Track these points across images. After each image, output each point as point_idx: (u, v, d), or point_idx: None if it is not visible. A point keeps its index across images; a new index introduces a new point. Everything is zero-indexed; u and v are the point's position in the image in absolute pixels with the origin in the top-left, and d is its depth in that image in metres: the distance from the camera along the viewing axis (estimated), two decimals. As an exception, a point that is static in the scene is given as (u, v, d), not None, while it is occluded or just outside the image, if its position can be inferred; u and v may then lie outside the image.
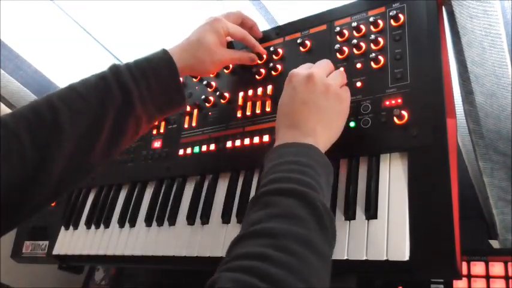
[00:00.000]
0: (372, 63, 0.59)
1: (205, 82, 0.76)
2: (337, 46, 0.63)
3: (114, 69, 0.57)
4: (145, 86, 0.57)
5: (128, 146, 0.62)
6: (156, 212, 0.72)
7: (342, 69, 0.60)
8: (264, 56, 0.71)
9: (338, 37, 0.64)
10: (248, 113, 0.69)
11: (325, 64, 0.59)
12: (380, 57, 0.59)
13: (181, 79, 0.62)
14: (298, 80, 0.54)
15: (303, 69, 0.57)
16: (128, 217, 0.76)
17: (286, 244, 0.38)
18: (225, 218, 0.64)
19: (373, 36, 0.60)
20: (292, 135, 0.51)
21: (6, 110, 1.08)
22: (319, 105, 0.52)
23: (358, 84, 0.60)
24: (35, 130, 0.51)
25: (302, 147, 0.49)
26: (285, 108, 0.55)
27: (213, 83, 0.76)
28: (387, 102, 0.56)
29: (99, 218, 0.80)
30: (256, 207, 0.44)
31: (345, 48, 0.63)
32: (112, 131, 0.56)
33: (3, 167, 0.47)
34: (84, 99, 0.55)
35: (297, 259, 0.37)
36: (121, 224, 0.76)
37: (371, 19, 0.61)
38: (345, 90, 0.57)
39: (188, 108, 0.77)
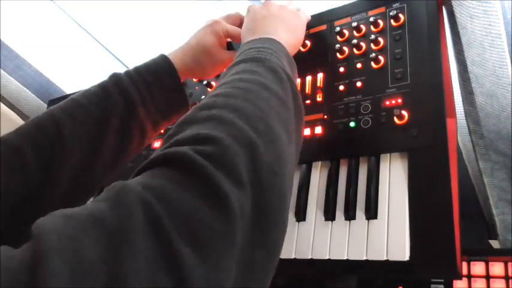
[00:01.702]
0: (372, 63, 0.59)
1: (205, 82, 0.76)
2: (337, 46, 0.63)
3: (115, 78, 0.57)
4: (147, 92, 0.57)
5: (136, 155, 0.61)
6: (156, 212, 0.72)
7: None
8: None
9: (338, 37, 0.64)
10: (248, 113, 0.69)
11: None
12: (380, 57, 0.59)
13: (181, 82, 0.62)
14: (254, 8, 0.60)
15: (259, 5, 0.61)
16: (128, 217, 0.76)
17: (237, 84, 0.39)
18: (225, 218, 0.64)
19: (373, 36, 0.60)
20: (253, 37, 0.52)
21: (6, 110, 1.08)
22: (278, 16, 0.57)
23: (358, 84, 0.60)
24: (38, 143, 0.50)
25: (263, 40, 0.51)
26: (246, 25, 0.59)
27: (213, 83, 0.76)
28: (387, 102, 0.56)
29: (99, 218, 0.80)
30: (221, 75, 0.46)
31: (345, 48, 0.63)
32: (117, 140, 0.55)
33: (6, 181, 0.46)
34: (87, 111, 0.54)
35: (244, 91, 0.38)
36: (121, 224, 0.76)
37: (371, 19, 0.61)
38: (302, 12, 0.63)
39: (189, 109, 0.77)
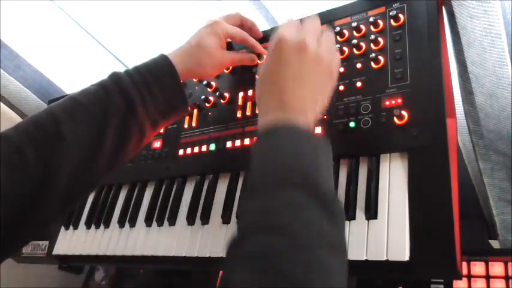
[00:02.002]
0: (372, 63, 0.59)
1: (205, 82, 0.76)
2: (337, 46, 0.63)
3: (114, 77, 0.57)
4: (147, 91, 0.57)
5: (134, 155, 0.61)
6: (156, 212, 0.72)
7: (329, 33, 0.53)
8: (264, 56, 0.71)
9: (338, 37, 0.64)
10: (248, 113, 0.69)
11: (315, 25, 0.52)
12: (380, 57, 0.59)
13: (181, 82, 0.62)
14: (288, 48, 0.48)
15: (293, 34, 0.50)
16: (128, 217, 0.76)
17: (292, 228, 0.35)
18: (225, 218, 0.64)
19: (373, 36, 0.60)
20: (281, 115, 0.45)
21: (6, 110, 1.08)
22: (311, 82, 0.48)
23: (358, 84, 0.60)
24: (37, 142, 0.50)
25: (293, 133, 0.44)
26: (272, 83, 0.49)
27: (213, 83, 0.76)
28: (387, 102, 0.56)
29: (99, 218, 0.80)
30: (253, 198, 0.41)
31: (345, 48, 0.63)
32: (116, 139, 0.55)
33: (6, 180, 0.46)
34: (86, 109, 0.54)
35: (311, 254, 0.34)
36: (121, 224, 0.76)
37: (371, 19, 0.61)
38: (338, 62, 0.53)
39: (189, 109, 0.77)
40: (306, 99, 0.47)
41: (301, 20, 0.53)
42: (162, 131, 0.80)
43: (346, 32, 0.64)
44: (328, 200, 0.40)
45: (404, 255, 0.47)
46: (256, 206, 0.40)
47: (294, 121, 0.45)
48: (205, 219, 0.66)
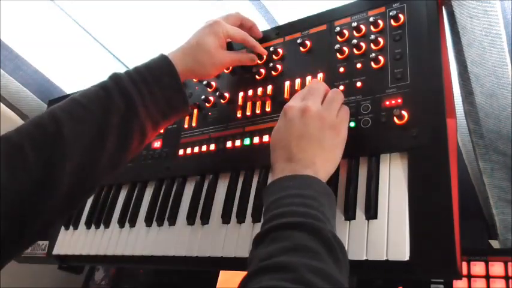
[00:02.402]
0: (372, 63, 0.59)
1: (205, 82, 0.76)
2: (337, 46, 0.63)
3: (115, 78, 0.57)
4: (147, 91, 0.57)
5: (135, 155, 0.61)
6: (156, 212, 0.72)
7: (337, 89, 0.57)
8: (264, 56, 0.72)
9: (338, 37, 0.64)
10: (248, 113, 0.69)
11: (318, 90, 0.56)
12: (380, 57, 0.59)
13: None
14: (293, 113, 0.53)
15: (297, 102, 0.55)
16: (128, 217, 0.76)
17: (303, 276, 0.36)
18: (225, 218, 0.64)
19: (373, 36, 0.60)
20: (291, 168, 0.50)
21: (6, 110, 1.08)
22: (316, 138, 0.51)
23: (358, 84, 0.60)
24: (38, 143, 0.50)
25: (303, 179, 0.48)
26: (281, 141, 0.53)
27: (213, 83, 0.76)
28: (387, 102, 0.56)
29: (99, 218, 0.80)
30: (263, 244, 0.42)
31: (345, 48, 0.63)
32: (117, 139, 0.55)
33: (6, 179, 0.46)
34: (87, 109, 0.54)
35: None
36: (121, 224, 0.76)
37: (371, 19, 0.61)
38: (341, 119, 0.54)
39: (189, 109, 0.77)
40: (314, 153, 0.51)
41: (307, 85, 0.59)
42: (162, 131, 0.80)
43: (346, 32, 0.64)
44: (332, 245, 0.41)
45: (405, 255, 0.47)
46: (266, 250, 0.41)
47: (302, 171, 0.49)
48: (205, 219, 0.66)
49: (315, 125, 0.52)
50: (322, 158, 0.51)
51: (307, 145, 0.51)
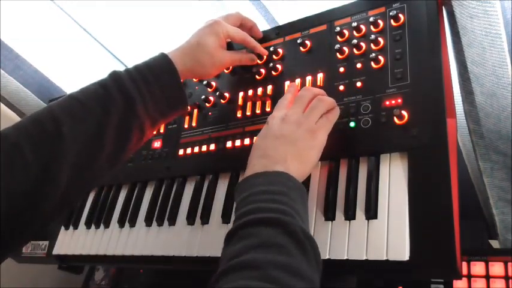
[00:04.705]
0: (372, 63, 0.59)
1: (205, 82, 0.76)
2: (337, 46, 0.63)
3: (114, 76, 0.57)
4: (147, 90, 0.57)
5: (134, 153, 0.61)
6: (156, 212, 0.72)
7: (323, 97, 0.57)
8: (265, 56, 0.72)
9: (338, 37, 0.64)
10: (248, 113, 0.69)
11: (302, 99, 0.57)
12: (380, 57, 0.59)
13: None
14: (273, 121, 0.56)
15: (279, 111, 0.57)
16: (128, 217, 0.76)
17: (270, 273, 0.37)
18: (225, 218, 0.64)
19: (373, 36, 0.60)
20: (262, 165, 0.51)
21: (6, 110, 1.08)
22: (290, 138, 0.53)
23: (358, 84, 0.60)
24: (36, 141, 0.50)
25: (272, 175, 0.49)
26: (257, 142, 0.56)
27: (213, 83, 0.76)
28: (387, 102, 0.56)
29: (99, 217, 0.80)
30: (232, 242, 0.43)
31: (345, 48, 0.63)
32: (116, 138, 0.55)
33: (5, 178, 0.46)
34: (86, 107, 0.54)
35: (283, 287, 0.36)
36: (121, 224, 0.76)
37: (371, 19, 0.61)
38: (320, 125, 0.55)
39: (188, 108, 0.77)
40: (286, 151, 0.52)
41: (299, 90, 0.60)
42: (162, 130, 0.80)
43: (346, 32, 0.64)
44: (300, 239, 0.42)
45: (404, 255, 0.47)
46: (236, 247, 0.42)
47: (272, 167, 0.50)
48: (205, 219, 0.66)
49: (290, 128, 0.54)
50: (294, 157, 0.52)
51: (280, 145, 0.53)
